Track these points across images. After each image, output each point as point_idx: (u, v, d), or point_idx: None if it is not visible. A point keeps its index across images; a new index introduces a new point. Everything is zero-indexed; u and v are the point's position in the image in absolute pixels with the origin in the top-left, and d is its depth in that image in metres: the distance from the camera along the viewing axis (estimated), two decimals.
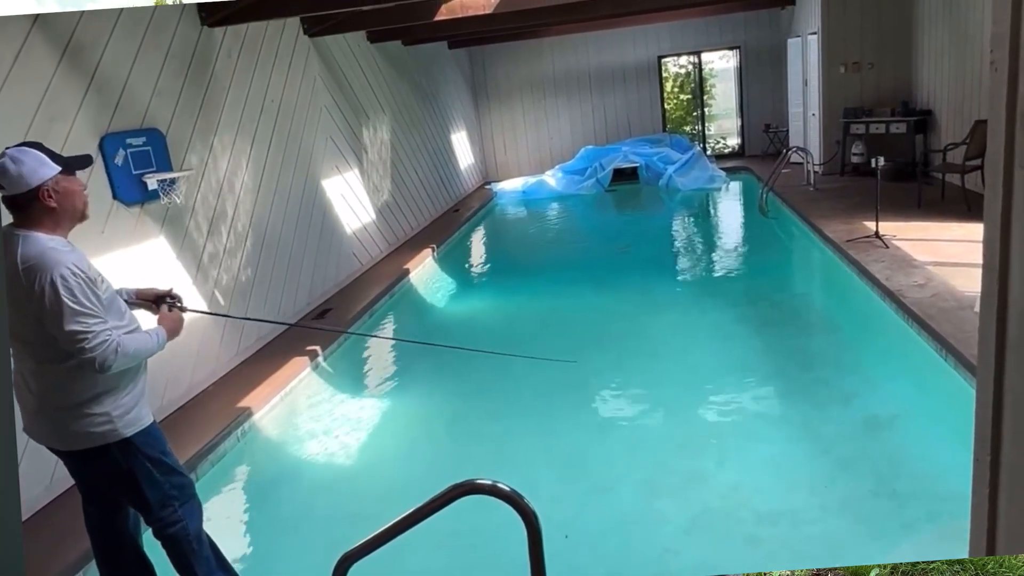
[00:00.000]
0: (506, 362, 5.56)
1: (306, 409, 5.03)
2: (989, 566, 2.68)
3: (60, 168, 2.36)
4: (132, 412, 2.48)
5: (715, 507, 3.48)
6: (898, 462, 3.69)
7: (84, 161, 2.56)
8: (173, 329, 2.65)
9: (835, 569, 2.86)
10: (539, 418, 4.59)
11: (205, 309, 5.21)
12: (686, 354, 5.39)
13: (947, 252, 6.12)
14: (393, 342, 6.77)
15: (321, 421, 4.86)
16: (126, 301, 2.68)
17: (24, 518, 3.58)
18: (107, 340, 2.32)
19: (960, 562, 2.70)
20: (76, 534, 3.05)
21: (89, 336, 2.29)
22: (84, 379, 2.38)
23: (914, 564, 2.73)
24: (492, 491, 2.00)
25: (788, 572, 2.92)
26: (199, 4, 5.47)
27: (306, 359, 5.51)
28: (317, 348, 5.69)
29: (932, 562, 2.71)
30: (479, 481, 2.01)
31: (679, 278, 7.79)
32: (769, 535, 3.22)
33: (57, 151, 2.43)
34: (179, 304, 2.76)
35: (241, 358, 5.51)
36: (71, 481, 2.82)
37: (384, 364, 6.20)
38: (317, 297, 6.94)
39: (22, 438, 3.06)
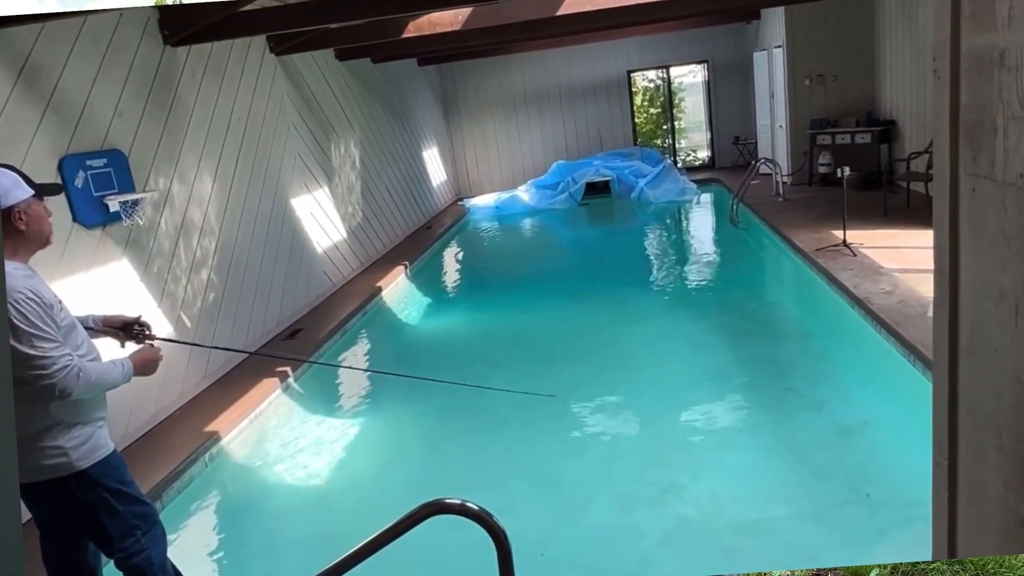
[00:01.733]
0: (480, 377, 5.53)
1: (276, 432, 4.95)
2: (989, 566, 2.67)
3: (33, 192, 2.35)
4: (88, 443, 2.41)
5: (691, 519, 3.47)
6: (871, 468, 3.71)
7: (55, 189, 2.61)
8: (144, 366, 2.57)
9: (835, 569, 2.86)
10: (513, 434, 4.56)
11: (171, 335, 5.12)
12: (660, 365, 5.40)
13: (913, 259, 6.21)
14: (365, 358, 6.71)
15: (291, 444, 4.78)
16: (92, 328, 2.61)
17: None
18: (68, 365, 2.27)
19: (960, 562, 2.70)
20: (31, 572, 2.94)
21: (47, 361, 2.23)
22: (36, 410, 2.31)
23: (914, 564, 2.73)
24: (461, 510, 1.96)
25: (788, 572, 2.91)
26: (161, 22, 5.41)
27: (276, 380, 5.42)
28: (287, 369, 5.61)
29: (932, 562, 2.71)
30: (448, 500, 1.97)
31: (652, 289, 7.82)
32: (746, 545, 3.22)
33: None
34: (147, 332, 2.69)
35: (209, 381, 5.41)
36: (26, 515, 2.72)
37: (356, 384, 6.11)
38: (288, 317, 6.85)
39: None
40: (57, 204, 4.26)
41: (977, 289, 1.06)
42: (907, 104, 9.35)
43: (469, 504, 1.95)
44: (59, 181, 4.26)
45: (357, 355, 6.68)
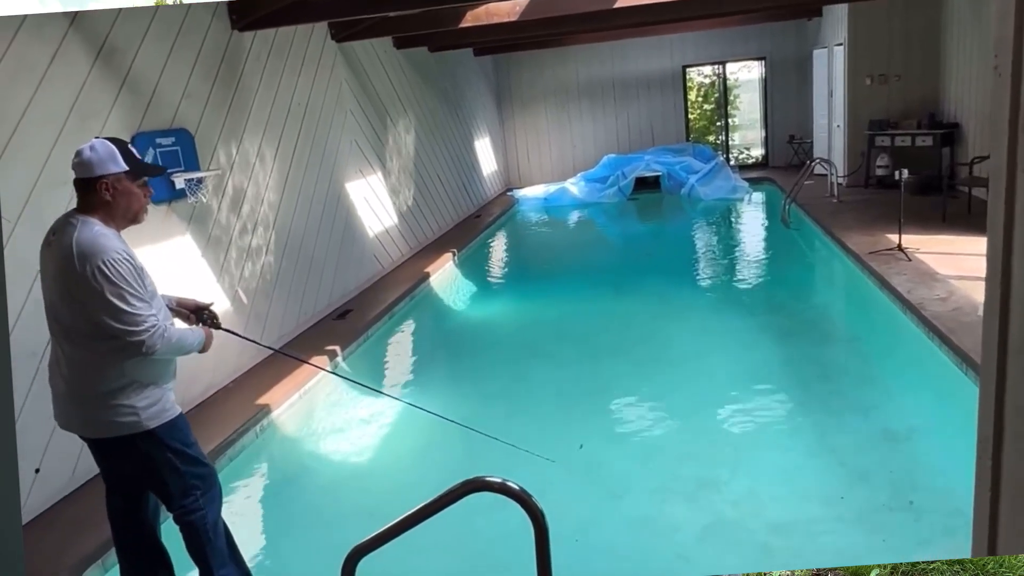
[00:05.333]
0: (524, 366, 5.61)
1: (324, 407, 5.10)
2: (989, 566, 2.64)
3: (127, 168, 2.47)
4: (157, 405, 2.55)
5: (728, 516, 3.47)
6: (916, 475, 3.65)
7: (153, 170, 2.71)
8: (208, 341, 2.73)
9: (835, 569, 2.85)
10: (555, 422, 4.60)
11: (228, 309, 5.31)
12: (704, 362, 5.37)
13: (971, 266, 6.03)
14: (411, 342, 6.84)
15: (338, 419, 4.92)
16: (167, 306, 2.76)
17: (45, 507, 3.66)
18: (155, 325, 2.41)
19: (960, 562, 2.67)
20: (95, 524, 3.12)
21: (138, 319, 2.37)
22: (114, 368, 2.45)
23: (914, 564, 2.71)
24: (501, 489, 2.01)
25: (788, 572, 2.91)
26: (230, 7, 5.58)
27: (325, 359, 5.57)
28: (336, 348, 5.76)
29: (932, 562, 2.69)
30: (489, 478, 2.03)
31: (699, 286, 7.76)
32: (782, 545, 3.21)
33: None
34: (215, 320, 2.83)
35: (262, 356, 5.57)
36: (93, 472, 2.86)
37: (402, 364, 6.25)
38: (338, 298, 7.02)
39: (47, 427, 3.15)
40: None
41: None
42: (973, 106, 9.04)
43: (510, 483, 2.00)
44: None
45: (403, 339, 6.81)
